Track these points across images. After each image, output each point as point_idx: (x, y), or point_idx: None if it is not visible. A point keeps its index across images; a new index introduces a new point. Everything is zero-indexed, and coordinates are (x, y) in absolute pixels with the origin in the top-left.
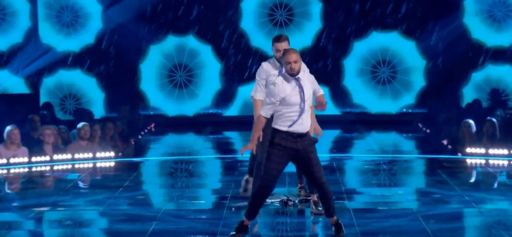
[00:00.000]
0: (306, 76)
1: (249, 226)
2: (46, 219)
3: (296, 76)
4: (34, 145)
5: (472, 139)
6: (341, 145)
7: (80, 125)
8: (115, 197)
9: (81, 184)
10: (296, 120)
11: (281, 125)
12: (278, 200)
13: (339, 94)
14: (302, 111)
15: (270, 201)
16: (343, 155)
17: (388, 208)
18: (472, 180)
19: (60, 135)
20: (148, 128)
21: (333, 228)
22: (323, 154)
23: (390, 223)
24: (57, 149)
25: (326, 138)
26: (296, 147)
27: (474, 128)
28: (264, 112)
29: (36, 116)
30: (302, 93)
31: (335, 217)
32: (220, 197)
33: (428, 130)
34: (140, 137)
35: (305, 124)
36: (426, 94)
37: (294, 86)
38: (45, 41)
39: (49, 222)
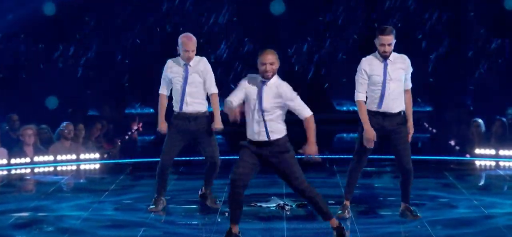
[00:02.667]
0: (275, 87)
1: (238, 232)
2: (26, 225)
3: (266, 81)
4: (13, 146)
5: (481, 140)
6: (341, 146)
7: (63, 124)
8: (100, 201)
9: (64, 188)
10: (253, 128)
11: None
12: (275, 204)
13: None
14: (256, 120)
15: (266, 205)
16: (343, 156)
17: (392, 213)
18: (482, 183)
19: (41, 135)
20: (136, 128)
21: (334, 233)
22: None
23: (394, 229)
24: (38, 150)
25: (325, 138)
26: (260, 152)
27: (483, 128)
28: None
29: (15, 116)
30: (258, 100)
31: (335, 220)
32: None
33: (434, 130)
34: (126, 137)
35: (262, 132)
36: (433, 91)
37: (257, 91)
38: None
39: (30, 229)
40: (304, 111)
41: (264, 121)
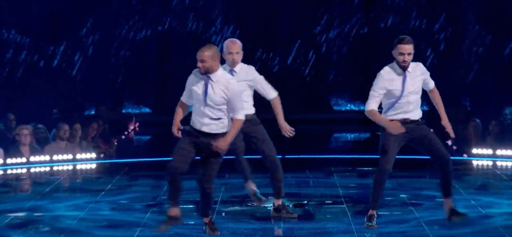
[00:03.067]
0: (221, 82)
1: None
2: (22, 226)
3: (207, 75)
4: (9, 146)
5: (479, 139)
6: (338, 146)
7: (59, 124)
8: (97, 201)
9: (60, 188)
10: (197, 117)
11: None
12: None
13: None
14: (200, 111)
15: (264, 206)
16: (340, 156)
17: (390, 213)
18: (479, 183)
19: (37, 135)
20: (133, 127)
21: (205, 228)
22: (316, 154)
23: (391, 229)
24: (34, 150)
25: (321, 138)
26: (198, 141)
27: (481, 127)
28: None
29: (11, 115)
30: (204, 94)
31: (209, 218)
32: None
33: (431, 130)
34: (123, 137)
35: (204, 122)
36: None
37: (202, 83)
38: None
39: (25, 229)
40: (237, 113)
41: (207, 114)
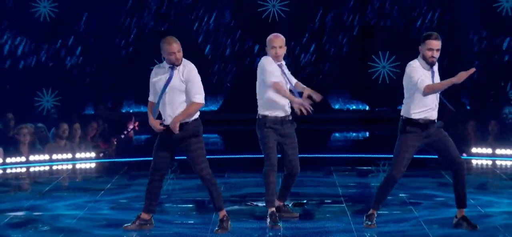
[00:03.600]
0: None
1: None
2: (22, 225)
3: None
4: (8, 145)
5: (478, 139)
6: (337, 145)
7: (58, 123)
8: (96, 200)
9: (59, 187)
10: (163, 111)
11: None
12: None
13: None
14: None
15: (262, 205)
16: (340, 155)
17: (389, 212)
18: (478, 182)
19: (37, 134)
20: (132, 127)
21: (219, 225)
22: (315, 153)
23: (390, 228)
24: (33, 149)
25: (322, 137)
26: (170, 137)
27: (479, 127)
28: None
29: (10, 114)
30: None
31: (224, 212)
32: (209, 200)
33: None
34: (123, 136)
35: (166, 117)
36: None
37: (166, 76)
38: None
39: (25, 228)
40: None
41: (165, 106)
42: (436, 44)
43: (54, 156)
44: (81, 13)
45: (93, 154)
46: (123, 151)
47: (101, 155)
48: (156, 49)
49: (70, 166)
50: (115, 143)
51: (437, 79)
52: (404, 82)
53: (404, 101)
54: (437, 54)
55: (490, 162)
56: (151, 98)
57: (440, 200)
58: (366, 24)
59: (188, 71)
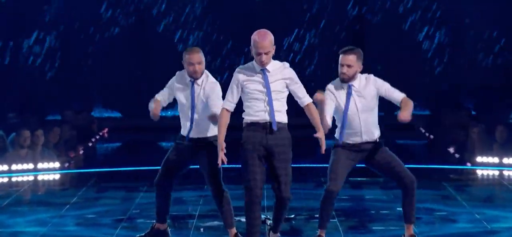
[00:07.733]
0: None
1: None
2: None
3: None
4: None
5: (484, 146)
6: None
7: (18, 130)
8: (61, 216)
9: (20, 201)
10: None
11: None
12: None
13: None
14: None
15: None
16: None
17: (385, 227)
18: (484, 195)
19: None
20: (101, 133)
21: None
22: (304, 163)
23: None
24: None
25: (309, 146)
26: (189, 147)
27: (486, 133)
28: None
29: None
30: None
31: (234, 230)
32: (187, 216)
33: (432, 136)
34: (90, 144)
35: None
36: (430, 93)
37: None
38: None
39: None
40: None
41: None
42: (347, 59)
43: (14, 166)
44: (47, 5)
45: (57, 164)
46: (91, 160)
47: (66, 165)
48: (128, 49)
49: (31, 178)
50: (82, 151)
51: (368, 92)
52: None
53: None
54: (347, 70)
55: (497, 173)
56: (160, 98)
57: (441, 215)
58: (360, 23)
59: (210, 85)
